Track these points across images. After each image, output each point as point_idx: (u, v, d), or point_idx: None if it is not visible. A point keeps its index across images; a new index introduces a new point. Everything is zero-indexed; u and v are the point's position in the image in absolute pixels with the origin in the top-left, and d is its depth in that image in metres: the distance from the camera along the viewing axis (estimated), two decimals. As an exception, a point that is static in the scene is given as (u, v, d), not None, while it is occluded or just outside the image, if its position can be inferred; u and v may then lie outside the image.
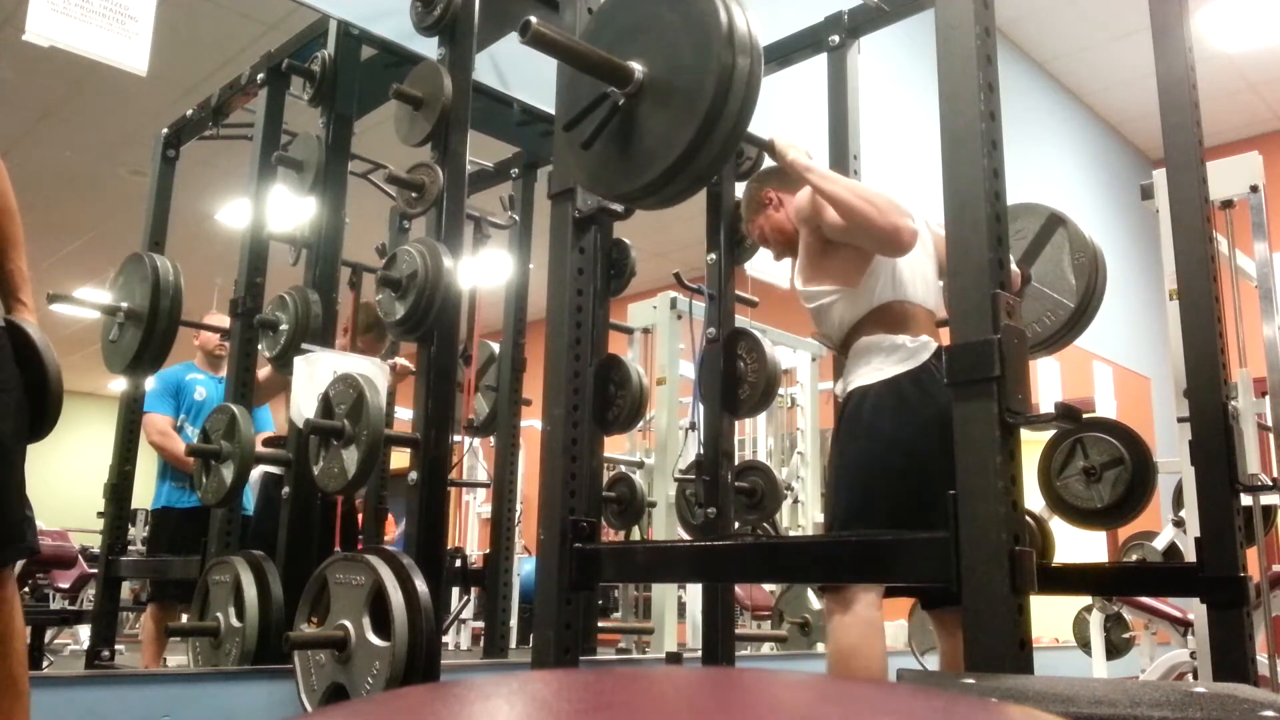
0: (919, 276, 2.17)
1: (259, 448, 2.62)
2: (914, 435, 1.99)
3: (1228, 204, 2.85)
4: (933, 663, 3.74)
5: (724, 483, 2.51)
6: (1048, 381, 4.75)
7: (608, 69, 1.59)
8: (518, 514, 4.07)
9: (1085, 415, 1.68)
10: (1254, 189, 2.82)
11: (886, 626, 2.12)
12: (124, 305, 2.82)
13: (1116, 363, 5.48)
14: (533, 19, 1.50)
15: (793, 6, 3.08)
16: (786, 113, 3.46)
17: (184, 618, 3.20)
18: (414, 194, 2.19)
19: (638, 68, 1.58)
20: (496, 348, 3.70)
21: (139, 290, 2.78)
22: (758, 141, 2.25)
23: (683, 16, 1.55)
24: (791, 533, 4.95)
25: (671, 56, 1.56)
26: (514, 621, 4.04)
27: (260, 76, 3.04)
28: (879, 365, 2.05)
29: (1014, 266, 2.27)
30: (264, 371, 3.16)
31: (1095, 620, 4.04)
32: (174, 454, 3.45)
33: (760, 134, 2.24)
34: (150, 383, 3.56)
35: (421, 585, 1.84)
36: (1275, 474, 2.90)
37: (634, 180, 1.61)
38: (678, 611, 4.11)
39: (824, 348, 4.54)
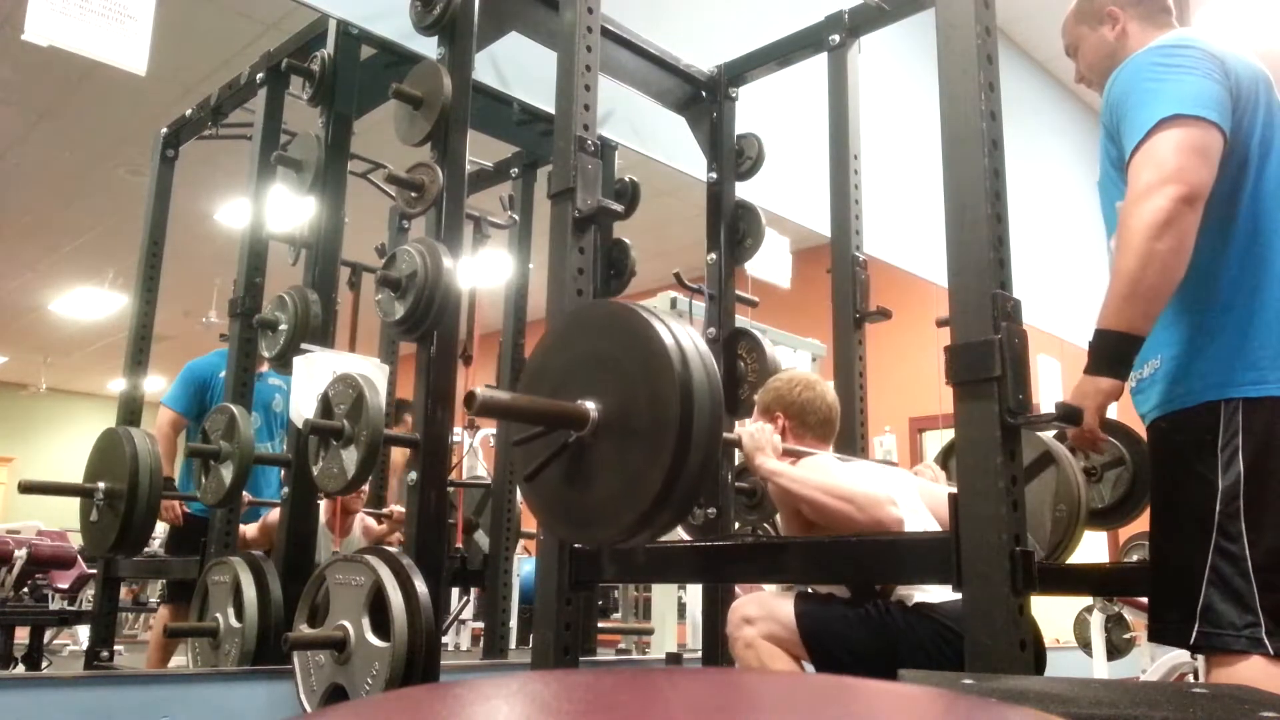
0: (918, 522, 2.09)
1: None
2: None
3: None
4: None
5: (724, 483, 2.51)
6: (1048, 382, 4.75)
7: (562, 417, 1.48)
8: (518, 514, 4.06)
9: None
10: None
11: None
12: (101, 485, 2.55)
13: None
14: (476, 391, 1.41)
15: (793, 6, 3.08)
16: (787, 113, 3.47)
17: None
18: (414, 194, 2.19)
19: (591, 407, 1.48)
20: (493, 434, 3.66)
21: (115, 468, 2.55)
22: (727, 440, 2.17)
23: (633, 357, 1.46)
24: (791, 533, 4.94)
25: (627, 395, 1.45)
26: (514, 622, 4.04)
27: (259, 76, 3.04)
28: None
29: None
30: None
31: (1096, 620, 4.04)
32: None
33: (753, 130, 2.24)
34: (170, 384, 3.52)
35: (421, 585, 1.84)
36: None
37: (601, 530, 1.50)
38: (678, 611, 4.11)
39: (823, 349, 4.54)
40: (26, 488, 2.54)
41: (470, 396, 1.41)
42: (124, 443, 2.55)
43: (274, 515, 3.19)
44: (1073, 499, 2.16)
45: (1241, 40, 1.75)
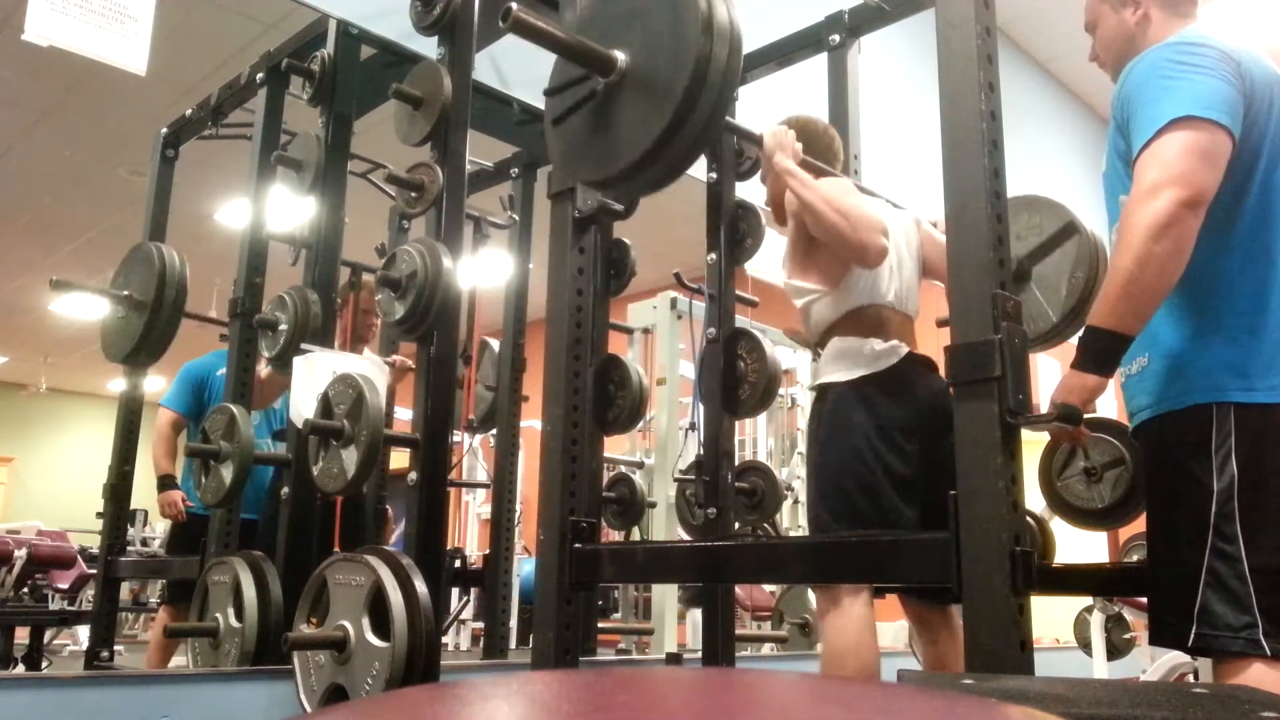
0: (899, 280, 2.19)
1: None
2: (876, 437, 2.01)
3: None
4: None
5: (724, 483, 2.50)
6: (1049, 381, 4.74)
7: (590, 57, 1.61)
8: (518, 514, 4.06)
9: (1086, 415, 1.67)
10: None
11: (887, 628, 2.12)
12: (126, 293, 2.77)
13: (1116, 363, 5.45)
14: (513, 4, 1.51)
15: (793, 6, 3.08)
16: (787, 113, 3.46)
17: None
18: (414, 194, 2.19)
19: (621, 56, 1.60)
20: (495, 344, 3.70)
21: (143, 279, 2.75)
22: (747, 135, 2.24)
23: (665, 5, 1.57)
24: (791, 533, 4.95)
25: (653, 45, 1.57)
26: (514, 622, 4.04)
27: (259, 76, 3.04)
28: (847, 367, 2.09)
29: None
30: (264, 371, 3.13)
31: (1096, 621, 4.03)
32: (154, 455, 3.42)
33: (754, 129, 2.24)
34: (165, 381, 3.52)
35: (421, 586, 1.84)
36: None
37: (608, 166, 1.63)
38: (678, 612, 4.11)
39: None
40: (57, 284, 2.75)
41: (507, 11, 1.51)
42: (154, 257, 2.74)
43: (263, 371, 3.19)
44: (1089, 266, 2.16)
45: (1246, 36, 1.74)
